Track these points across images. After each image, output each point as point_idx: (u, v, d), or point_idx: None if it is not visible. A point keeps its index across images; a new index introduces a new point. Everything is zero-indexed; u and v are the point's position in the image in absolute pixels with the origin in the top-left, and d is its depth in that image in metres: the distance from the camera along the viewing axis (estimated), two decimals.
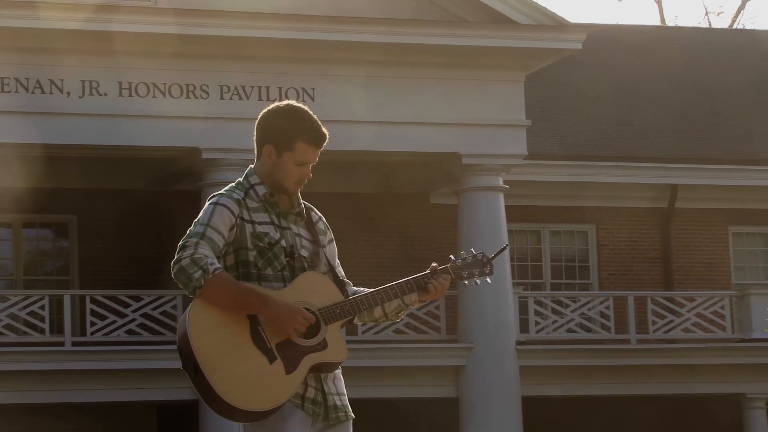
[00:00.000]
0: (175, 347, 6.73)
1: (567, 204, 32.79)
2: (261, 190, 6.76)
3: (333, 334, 6.70)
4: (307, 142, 6.72)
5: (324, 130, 6.76)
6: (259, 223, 6.73)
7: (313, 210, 6.96)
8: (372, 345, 28.12)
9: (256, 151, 6.85)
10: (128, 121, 27.39)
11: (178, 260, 6.48)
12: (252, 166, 6.89)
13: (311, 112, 6.80)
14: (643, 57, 36.08)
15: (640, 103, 34.12)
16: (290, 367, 6.54)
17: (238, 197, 6.74)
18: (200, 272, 6.43)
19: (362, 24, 28.26)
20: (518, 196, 30.27)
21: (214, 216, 6.63)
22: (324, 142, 6.77)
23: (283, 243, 6.76)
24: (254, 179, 6.80)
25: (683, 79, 35.43)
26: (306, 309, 6.58)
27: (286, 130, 6.72)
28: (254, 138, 6.87)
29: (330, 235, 6.99)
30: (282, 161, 6.73)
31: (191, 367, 6.46)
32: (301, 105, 6.85)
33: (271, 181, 6.75)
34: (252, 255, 6.70)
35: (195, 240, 6.53)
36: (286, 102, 6.90)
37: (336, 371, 6.83)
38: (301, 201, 6.87)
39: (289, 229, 6.82)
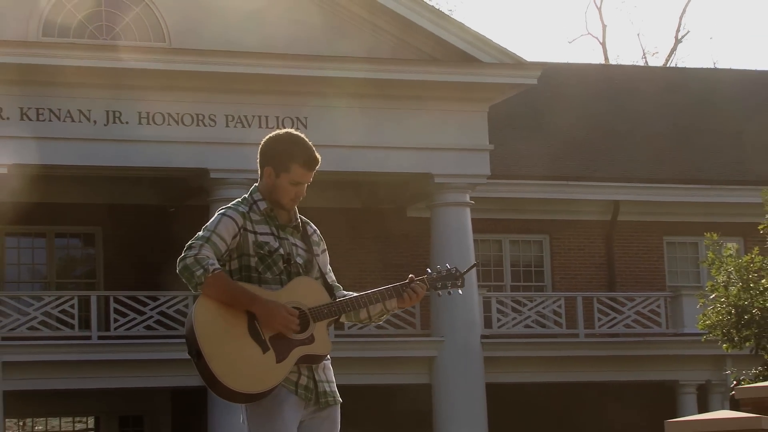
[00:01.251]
0: (184, 338, 6.78)
1: (525, 217, 32.82)
2: (263, 205, 6.85)
3: (320, 331, 6.76)
4: (301, 165, 6.81)
5: (317, 155, 6.84)
6: (261, 234, 6.80)
7: (308, 224, 7.05)
8: (357, 339, 28.12)
9: (259, 172, 6.94)
10: (146, 146, 27.37)
11: (184, 258, 6.58)
12: (256, 184, 6.97)
13: (306, 139, 6.87)
14: (590, 91, 36.11)
15: (587, 131, 34.12)
16: (280, 357, 6.61)
17: (243, 210, 6.82)
18: (201, 270, 6.53)
19: (348, 62, 28.27)
20: (482, 210, 30.29)
21: (220, 225, 6.72)
22: (316, 166, 6.85)
23: (282, 251, 6.83)
24: (257, 196, 6.90)
25: (623, 109, 35.46)
26: (296, 308, 6.63)
27: (283, 155, 6.81)
28: (257, 160, 6.94)
29: (323, 245, 7.07)
30: (280, 181, 6.82)
31: (195, 353, 6.55)
32: (298, 133, 6.92)
33: (271, 198, 6.84)
34: (253, 261, 6.78)
35: (200, 243, 6.62)
36: (285, 130, 7.00)
37: (326, 361, 6.86)
38: (298, 216, 6.95)
39: (287, 239, 6.88)
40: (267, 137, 7.05)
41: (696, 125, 35.45)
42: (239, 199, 6.93)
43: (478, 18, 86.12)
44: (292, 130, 7.02)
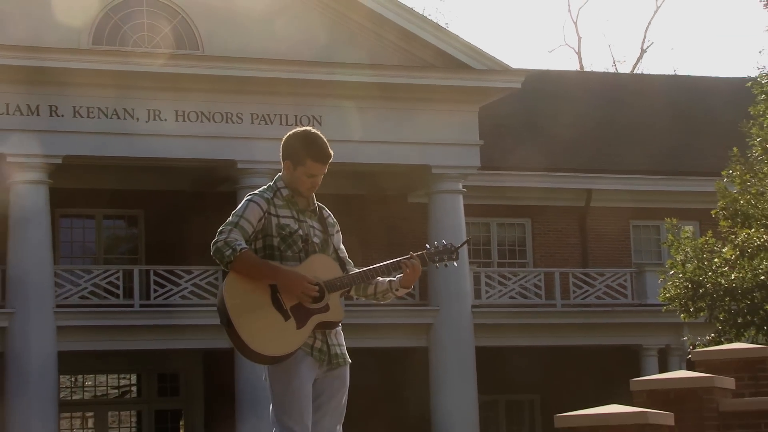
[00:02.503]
0: (216, 308, 6.79)
1: (509, 203, 32.81)
2: (285, 192, 6.87)
3: (334, 301, 6.77)
4: (315, 159, 6.82)
5: (329, 151, 6.87)
6: (283, 217, 6.81)
7: (324, 209, 7.06)
8: (365, 308, 28.07)
9: (282, 164, 6.96)
10: (182, 140, 27.38)
11: (216, 242, 6.62)
12: (280, 174, 6.98)
13: (322, 137, 6.88)
14: (567, 94, 36.07)
15: (564, 129, 34.07)
16: (300, 324, 6.62)
17: (268, 197, 6.83)
18: (230, 251, 6.55)
19: (356, 68, 28.26)
20: (473, 197, 30.27)
21: (247, 210, 6.74)
22: (328, 160, 6.87)
23: (301, 232, 6.84)
24: (280, 184, 6.91)
25: (596, 110, 35.41)
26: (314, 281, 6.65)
27: (300, 151, 6.82)
28: (280, 154, 6.96)
29: (337, 227, 7.09)
30: (297, 173, 6.83)
31: (226, 322, 6.57)
32: (315, 131, 6.93)
33: (291, 186, 6.83)
34: (276, 240, 6.79)
35: (230, 228, 6.66)
36: (303, 128, 7.02)
37: (337, 327, 6.86)
38: (315, 202, 6.96)
39: (306, 222, 6.90)
40: (288, 134, 7.08)
41: (659, 124, 35.42)
42: (265, 187, 6.96)
43: (469, 28, 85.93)
44: (310, 128, 7.04)
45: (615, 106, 35.72)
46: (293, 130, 7.06)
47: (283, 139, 7.07)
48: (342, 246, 7.10)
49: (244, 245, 6.61)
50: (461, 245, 7.25)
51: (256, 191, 6.90)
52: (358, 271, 6.96)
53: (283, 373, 6.62)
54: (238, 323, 6.55)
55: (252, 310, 6.58)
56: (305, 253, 6.83)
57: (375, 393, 26.07)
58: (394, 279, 7.08)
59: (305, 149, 6.88)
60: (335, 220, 7.11)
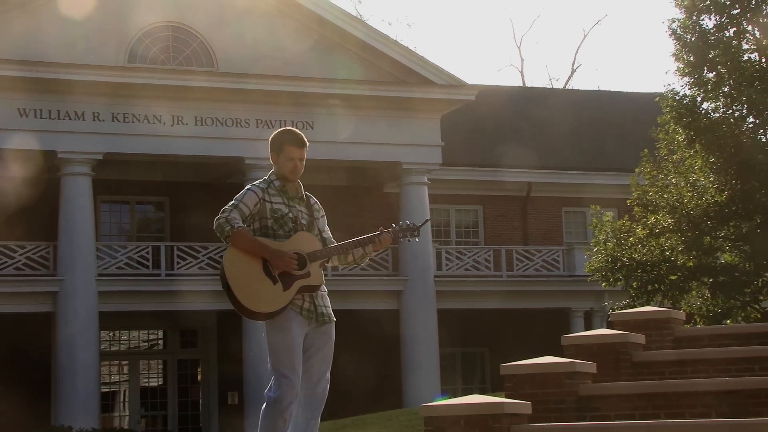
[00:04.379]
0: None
1: (464, 193, 32.91)
2: (277, 183, 6.84)
3: (315, 269, 6.76)
4: (290, 144, 6.84)
5: (302, 136, 6.90)
6: (275, 203, 6.79)
7: (311, 196, 7.04)
8: (348, 277, 28.10)
9: (270, 159, 6.96)
10: (200, 140, 27.36)
11: (218, 218, 6.63)
12: (273, 170, 6.96)
13: (295, 129, 6.91)
14: (512, 105, 36.14)
15: (509, 132, 34.13)
16: (286, 287, 6.61)
17: (263, 187, 6.81)
18: (229, 227, 6.56)
19: (341, 83, 28.34)
20: (436, 188, 30.37)
21: (246, 196, 6.72)
22: (302, 144, 6.90)
23: (290, 215, 6.81)
24: (273, 177, 6.90)
25: (536, 118, 35.45)
26: (296, 252, 6.63)
27: (277, 141, 6.85)
28: (268, 151, 6.95)
29: (322, 212, 7.07)
30: (280, 160, 6.84)
31: (225, 286, 6.57)
32: (290, 127, 6.98)
33: (279, 176, 6.81)
34: (270, 222, 6.76)
35: (231, 208, 6.65)
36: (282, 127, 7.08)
37: (323, 291, 6.83)
38: (304, 191, 6.92)
39: (295, 207, 6.87)
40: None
41: (585, 130, 35.48)
42: (261, 180, 6.94)
43: (432, 49, 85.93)
44: (287, 127, 7.12)
45: (550, 115, 35.76)
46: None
47: (269, 138, 7.12)
48: (327, 227, 7.08)
49: (240, 224, 6.64)
50: (421, 225, 7.24)
51: (255, 183, 6.90)
52: (336, 245, 6.94)
53: (278, 330, 6.61)
54: (235, 287, 6.55)
55: (246, 277, 6.58)
56: (294, 232, 6.82)
57: (355, 347, 26.05)
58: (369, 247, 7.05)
59: (282, 138, 6.96)
60: (321, 206, 7.08)
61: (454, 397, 10.02)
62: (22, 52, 26.04)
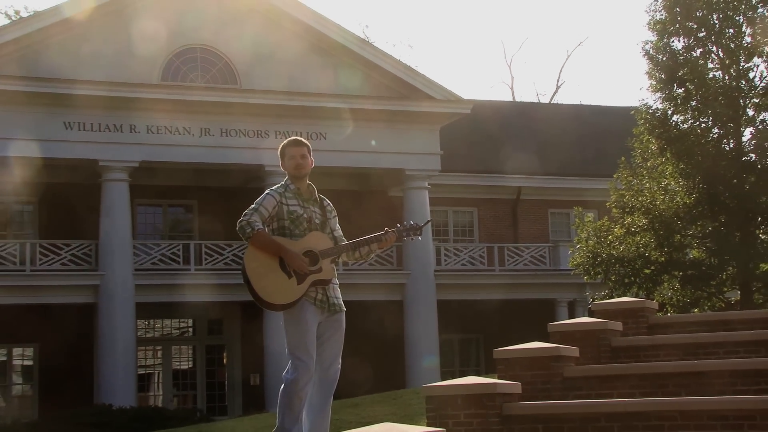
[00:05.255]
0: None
1: (461, 196, 32.89)
2: (292, 187, 6.83)
3: (326, 264, 6.73)
4: (289, 146, 6.88)
5: (298, 138, 6.93)
6: (291, 205, 6.77)
7: (324, 199, 7.01)
8: (356, 271, 28.08)
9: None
10: (225, 150, 27.38)
11: (240, 221, 6.61)
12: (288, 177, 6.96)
13: (296, 137, 6.91)
14: (504, 118, 36.12)
15: (502, 142, 34.11)
16: (300, 281, 6.58)
17: (281, 191, 6.79)
18: (250, 229, 6.53)
19: (353, 99, 28.34)
20: (435, 192, 30.35)
21: (265, 200, 6.70)
22: (299, 143, 6.93)
23: (305, 216, 6.79)
24: (288, 181, 6.89)
25: (525, 129, 35.44)
26: (310, 250, 6.62)
27: (281, 149, 6.91)
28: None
29: (334, 213, 7.04)
30: (285, 162, 6.87)
31: (246, 280, 6.54)
32: (293, 137, 7.02)
33: (290, 177, 6.83)
34: (287, 222, 6.74)
35: (251, 212, 6.63)
36: None
37: (335, 284, 6.81)
38: (317, 194, 6.91)
39: (309, 208, 6.85)
40: None
41: (568, 140, 35.43)
42: (279, 185, 6.93)
43: (431, 67, 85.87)
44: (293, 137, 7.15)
45: (537, 127, 35.78)
46: None
47: None
48: (338, 227, 7.05)
49: (260, 226, 6.60)
50: (423, 225, 7.22)
51: (273, 187, 6.89)
52: (346, 243, 6.93)
53: (294, 319, 6.60)
54: (253, 281, 6.53)
55: (264, 272, 6.55)
56: (308, 231, 6.80)
57: (364, 334, 26.04)
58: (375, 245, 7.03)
59: (283, 145, 7.06)
60: (333, 207, 7.07)
61: (452, 378, 10.00)
62: (65, 70, 26.10)
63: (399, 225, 7.06)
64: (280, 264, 6.59)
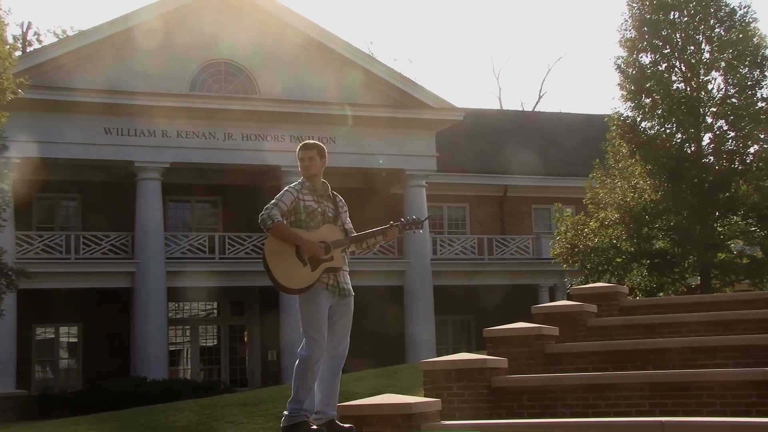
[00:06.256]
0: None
1: (455, 193, 32.88)
2: (307, 184, 6.82)
3: (337, 254, 6.71)
4: (299, 149, 6.87)
5: (305, 142, 6.88)
6: (307, 201, 6.75)
7: (337, 195, 7.00)
8: (362, 259, 28.09)
9: None
10: (246, 152, 27.40)
11: (262, 214, 6.60)
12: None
13: (304, 142, 6.88)
14: (491, 124, 36.09)
15: (491, 145, 34.11)
16: (313, 268, 6.57)
17: (298, 188, 6.77)
18: (270, 221, 6.50)
19: (359, 107, 28.33)
20: (432, 189, 30.34)
21: (284, 195, 6.68)
22: (304, 146, 6.97)
23: (319, 210, 6.77)
24: (304, 180, 6.84)
25: (511, 133, 35.43)
26: (323, 241, 6.61)
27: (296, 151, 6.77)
28: None
29: (345, 208, 7.02)
30: (298, 163, 6.79)
31: (265, 266, 6.52)
32: (305, 142, 6.98)
33: (303, 175, 6.85)
34: (303, 216, 6.72)
35: (272, 206, 6.61)
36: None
37: (345, 271, 6.80)
38: (331, 191, 6.89)
39: (323, 203, 6.82)
40: None
41: (549, 144, 35.43)
42: (296, 182, 6.90)
43: (427, 78, 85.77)
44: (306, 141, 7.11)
45: (522, 132, 35.76)
46: None
47: None
48: (348, 220, 7.04)
49: (279, 218, 6.57)
50: (424, 220, 7.21)
51: (291, 185, 6.86)
52: (355, 234, 6.92)
53: (308, 302, 6.59)
54: (272, 267, 6.50)
55: (282, 259, 6.53)
56: (322, 224, 6.79)
57: (369, 315, 26.07)
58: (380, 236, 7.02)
59: (297, 148, 6.96)
60: (344, 203, 7.06)
61: (446, 354, 10.02)
62: (106, 82, 26.13)
63: (402, 219, 7.05)
64: (296, 253, 6.58)
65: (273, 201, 6.69)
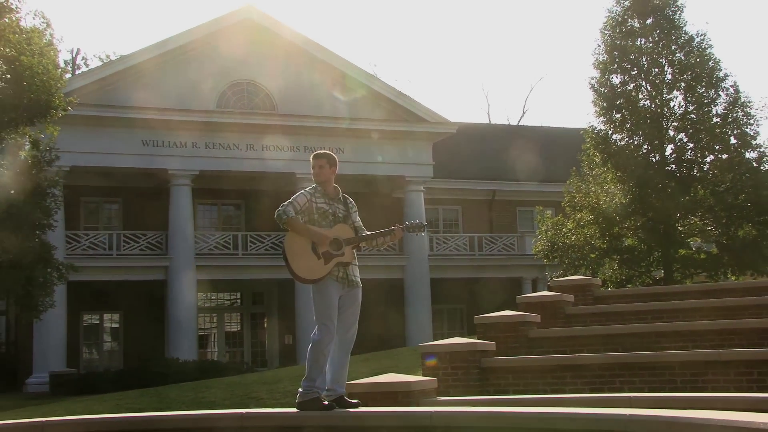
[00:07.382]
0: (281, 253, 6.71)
1: (449, 197, 32.82)
2: (319, 188, 6.76)
3: (348, 250, 6.67)
4: (311, 158, 6.76)
5: (317, 152, 6.80)
6: (319, 203, 6.70)
7: (348, 197, 6.94)
8: (372, 255, 28.05)
9: None
10: (264, 161, 27.29)
11: (278, 210, 6.54)
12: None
13: (318, 152, 6.80)
14: (481, 136, 36.04)
15: (480, 154, 34.06)
16: (326, 262, 6.52)
17: (312, 192, 6.72)
18: (285, 216, 6.45)
19: (365, 121, 28.26)
20: (429, 194, 30.28)
21: (299, 196, 6.64)
22: (315, 156, 6.85)
23: (330, 211, 6.72)
24: (317, 185, 6.80)
25: (498, 144, 35.37)
26: (336, 238, 6.57)
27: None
28: None
29: (355, 208, 6.95)
30: (312, 171, 6.74)
31: (285, 260, 6.48)
32: (317, 152, 6.91)
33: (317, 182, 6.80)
34: (316, 216, 6.67)
35: (287, 203, 6.58)
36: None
37: (354, 264, 6.77)
38: (342, 194, 6.85)
39: (334, 204, 6.78)
40: None
41: (532, 154, 35.32)
42: (310, 187, 6.86)
43: (423, 94, 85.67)
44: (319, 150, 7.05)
45: (509, 143, 35.69)
46: None
47: None
48: (358, 219, 7.00)
49: (293, 214, 6.53)
50: (425, 225, 7.18)
51: (306, 189, 6.82)
52: (365, 234, 6.89)
53: (320, 292, 6.56)
54: (291, 260, 6.47)
55: (300, 254, 6.49)
56: (334, 223, 6.76)
57: (373, 305, 26.08)
58: (388, 237, 6.98)
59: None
60: (354, 204, 7.02)
61: (442, 339, 10.01)
62: (144, 99, 26.14)
63: (407, 222, 7.05)
64: (312, 248, 6.56)
65: (288, 200, 6.67)
